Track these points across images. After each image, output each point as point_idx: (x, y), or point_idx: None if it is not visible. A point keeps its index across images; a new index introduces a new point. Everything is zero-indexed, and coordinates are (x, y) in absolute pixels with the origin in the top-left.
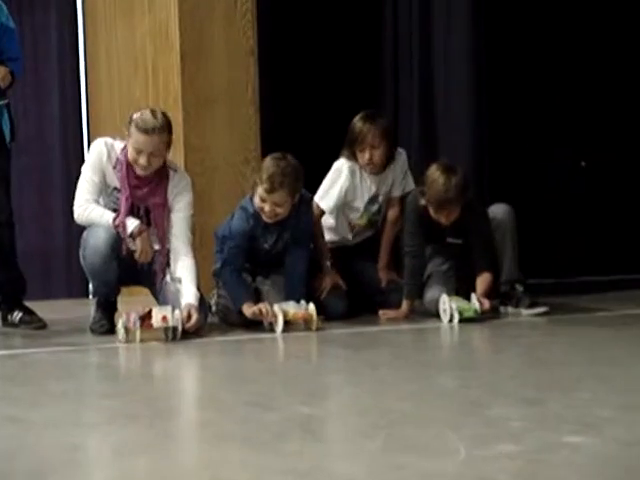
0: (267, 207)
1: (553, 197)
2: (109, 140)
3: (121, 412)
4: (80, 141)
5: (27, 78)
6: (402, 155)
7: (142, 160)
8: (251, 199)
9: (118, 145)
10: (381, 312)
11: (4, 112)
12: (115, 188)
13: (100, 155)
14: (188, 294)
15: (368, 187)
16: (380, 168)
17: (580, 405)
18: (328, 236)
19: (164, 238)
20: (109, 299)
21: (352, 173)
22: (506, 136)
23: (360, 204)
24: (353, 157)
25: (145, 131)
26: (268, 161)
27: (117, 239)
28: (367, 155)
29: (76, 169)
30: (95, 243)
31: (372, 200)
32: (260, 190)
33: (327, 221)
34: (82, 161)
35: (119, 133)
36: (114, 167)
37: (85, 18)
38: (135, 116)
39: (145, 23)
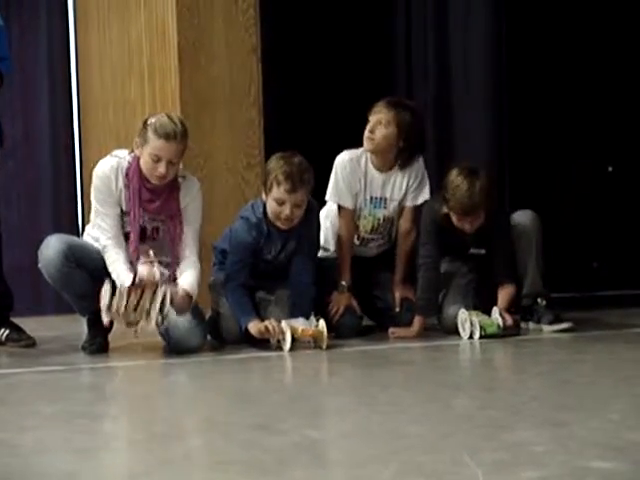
0: (287, 210)
1: (577, 204)
2: (113, 162)
3: (116, 436)
4: (71, 146)
5: (14, 79)
6: (419, 162)
7: (161, 168)
8: (253, 207)
9: (124, 158)
10: (391, 330)
11: None
12: (125, 212)
13: (108, 185)
14: (185, 282)
15: (370, 181)
16: (379, 151)
17: (608, 428)
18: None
19: (177, 251)
20: (97, 315)
21: (352, 160)
22: (528, 138)
23: (363, 202)
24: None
25: (166, 137)
26: (278, 160)
27: (72, 246)
28: (370, 126)
29: (66, 176)
30: (47, 253)
31: (378, 203)
32: (278, 192)
33: (335, 225)
34: (72, 168)
35: (112, 135)
36: (127, 187)
37: (76, 14)
38: (151, 121)
39: (140, 19)
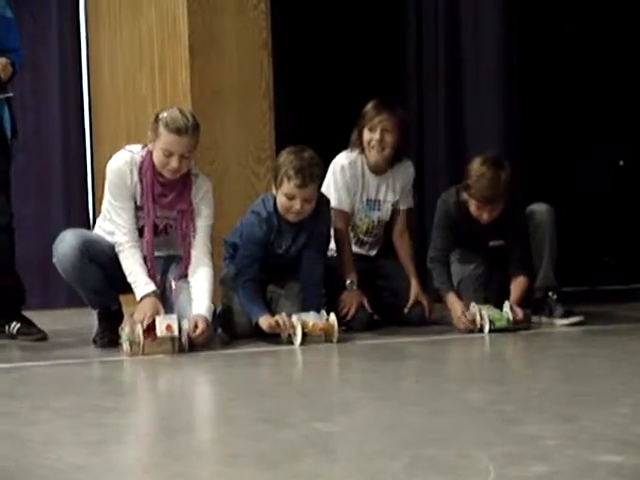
0: (297, 205)
1: (589, 198)
2: (127, 157)
3: (126, 429)
4: (82, 140)
5: (25, 72)
6: (410, 167)
7: (173, 163)
8: (263, 201)
9: (137, 153)
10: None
11: (4, 107)
12: (139, 207)
13: (123, 179)
14: (199, 305)
15: (366, 184)
16: (386, 159)
17: (619, 422)
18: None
19: (188, 246)
20: (108, 309)
21: (352, 164)
22: (539, 132)
23: (359, 204)
24: (359, 143)
25: (177, 131)
26: (289, 155)
27: (87, 242)
28: (377, 135)
29: (78, 170)
30: (62, 248)
31: (373, 205)
32: (288, 187)
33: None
34: (84, 161)
35: (123, 130)
36: (140, 181)
37: (87, 8)
38: (162, 115)
39: (151, 14)
